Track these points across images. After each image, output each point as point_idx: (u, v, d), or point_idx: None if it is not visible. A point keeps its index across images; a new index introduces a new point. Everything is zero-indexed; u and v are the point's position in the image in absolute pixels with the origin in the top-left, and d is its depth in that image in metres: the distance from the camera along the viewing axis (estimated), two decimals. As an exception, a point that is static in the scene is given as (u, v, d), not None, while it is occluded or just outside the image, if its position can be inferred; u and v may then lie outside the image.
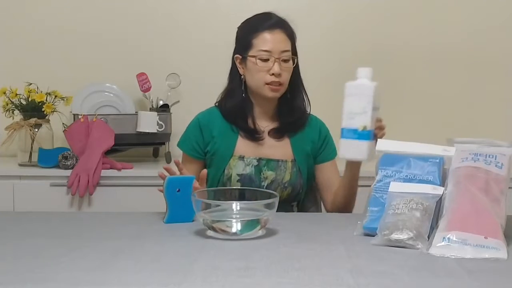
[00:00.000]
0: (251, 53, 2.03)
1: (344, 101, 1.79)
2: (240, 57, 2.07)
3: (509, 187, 1.63)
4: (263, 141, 2.11)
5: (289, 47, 2.04)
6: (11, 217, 1.99)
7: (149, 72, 2.94)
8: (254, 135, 2.10)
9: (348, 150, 1.79)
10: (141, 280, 1.28)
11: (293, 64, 2.05)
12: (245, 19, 2.12)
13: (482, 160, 1.62)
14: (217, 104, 2.17)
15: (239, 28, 2.12)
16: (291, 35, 2.06)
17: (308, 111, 2.16)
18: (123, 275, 1.31)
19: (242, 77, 2.09)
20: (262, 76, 2.02)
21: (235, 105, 2.09)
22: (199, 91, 2.98)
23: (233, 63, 2.12)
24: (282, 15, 2.09)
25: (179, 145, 2.17)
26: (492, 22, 3.12)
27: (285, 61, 2.03)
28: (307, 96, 2.15)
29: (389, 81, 3.15)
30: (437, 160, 1.70)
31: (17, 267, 1.36)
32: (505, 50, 3.14)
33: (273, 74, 2.01)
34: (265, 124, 2.12)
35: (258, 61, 2.01)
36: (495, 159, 1.62)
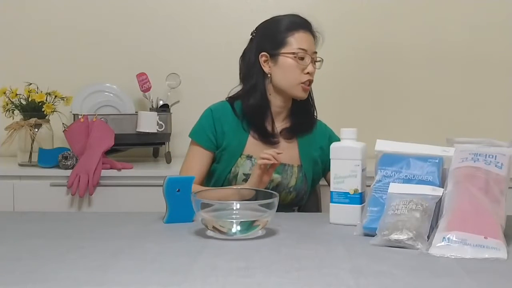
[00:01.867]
0: (286, 50, 2.02)
1: (331, 164, 1.78)
2: (268, 54, 2.05)
3: (509, 187, 1.63)
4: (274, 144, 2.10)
5: (316, 50, 2.07)
6: (11, 217, 1.99)
7: (149, 72, 2.94)
8: (270, 139, 2.08)
9: (340, 215, 1.76)
10: (141, 280, 1.28)
11: (319, 68, 2.07)
12: (266, 19, 2.11)
13: (482, 160, 1.62)
14: (227, 99, 2.14)
15: (265, 26, 2.09)
16: (316, 38, 2.10)
17: (315, 114, 2.16)
18: (123, 275, 1.31)
19: (269, 75, 2.06)
20: (298, 74, 2.02)
21: (256, 104, 2.06)
22: (199, 91, 2.98)
23: (251, 61, 2.08)
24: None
25: (192, 135, 2.11)
26: (492, 21, 3.12)
27: (315, 62, 2.05)
28: (312, 98, 2.16)
29: (388, 81, 3.15)
30: (437, 161, 1.70)
31: (17, 267, 1.36)
32: (505, 49, 3.13)
33: (308, 73, 2.02)
34: (277, 125, 2.11)
35: (296, 59, 2.01)
36: (495, 159, 1.62)
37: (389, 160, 1.74)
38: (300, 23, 2.06)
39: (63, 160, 2.68)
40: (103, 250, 1.49)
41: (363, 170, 1.77)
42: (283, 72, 2.03)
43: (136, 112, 2.92)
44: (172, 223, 1.76)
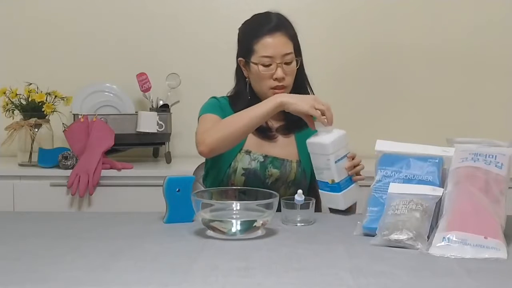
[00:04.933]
0: (253, 59, 2.02)
1: (311, 157, 1.89)
2: (244, 60, 2.06)
3: (509, 187, 1.63)
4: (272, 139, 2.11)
5: (290, 49, 2.02)
6: (11, 217, 1.99)
7: (149, 72, 2.95)
8: (267, 133, 2.09)
9: (326, 200, 1.91)
10: (141, 280, 1.28)
11: (297, 66, 2.04)
12: (244, 20, 2.10)
13: (482, 160, 1.62)
14: (228, 96, 2.14)
15: (240, 30, 2.11)
16: (292, 35, 2.04)
17: None
18: (123, 275, 1.31)
19: (247, 79, 2.08)
20: (266, 81, 2.02)
21: (244, 107, 2.06)
22: (199, 91, 2.97)
23: (238, 65, 2.10)
24: (283, 12, 2.08)
25: (206, 111, 2.05)
26: (492, 21, 3.12)
27: (288, 63, 2.02)
28: (313, 93, 2.14)
29: (389, 81, 3.16)
30: (437, 160, 1.70)
31: (17, 267, 1.36)
32: (505, 49, 3.14)
33: (276, 79, 2.00)
34: (273, 122, 2.12)
35: (260, 67, 2.00)
36: (495, 159, 1.62)
37: (389, 160, 1.75)
38: (265, 28, 2.01)
39: (63, 160, 2.68)
40: (103, 250, 1.49)
41: (338, 160, 1.84)
42: (254, 79, 2.05)
43: (136, 112, 2.93)
44: (172, 223, 1.76)
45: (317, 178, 1.90)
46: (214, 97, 2.14)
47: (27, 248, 1.51)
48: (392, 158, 1.75)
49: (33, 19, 3.11)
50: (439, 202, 1.61)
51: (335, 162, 1.83)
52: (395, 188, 1.66)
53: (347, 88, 3.15)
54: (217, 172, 2.09)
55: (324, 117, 1.84)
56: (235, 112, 2.07)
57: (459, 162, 1.64)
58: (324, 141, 1.83)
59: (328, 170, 1.85)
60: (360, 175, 1.93)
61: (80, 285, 1.25)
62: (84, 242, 1.57)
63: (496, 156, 1.63)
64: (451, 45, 3.13)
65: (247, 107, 2.05)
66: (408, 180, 1.69)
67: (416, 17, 3.14)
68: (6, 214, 2.08)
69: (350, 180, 1.88)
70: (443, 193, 1.61)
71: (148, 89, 2.94)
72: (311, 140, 1.87)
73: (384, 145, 1.79)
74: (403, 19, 3.14)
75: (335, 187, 1.85)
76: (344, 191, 1.86)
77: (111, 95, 2.98)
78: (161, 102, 2.95)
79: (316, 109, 1.84)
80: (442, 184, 1.66)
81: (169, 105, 2.95)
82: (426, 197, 1.60)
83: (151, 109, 2.94)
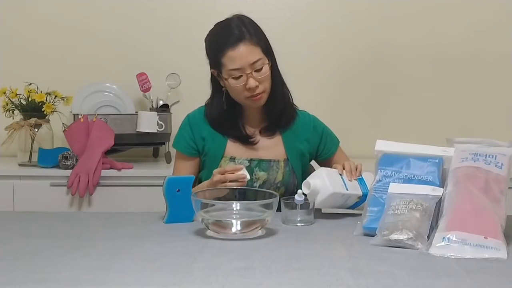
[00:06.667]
0: (223, 73, 1.98)
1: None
2: (217, 72, 2.03)
3: (509, 187, 1.63)
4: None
5: (258, 55, 1.97)
6: (11, 217, 1.99)
7: (149, 72, 2.94)
8: (247, 140, 2.08)
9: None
10: (141, 280, 1.28)
11: (269, 69, 1.99)
12: (209, 30, 2.07)
13: (482, 160, 1.62)
14: (205, 104, 2.14)
15: (206, 42, 2.06)
16: (258, 40, 1.98)
17: (291, 101, 2.13)
18: (123, 275, 1.31)
19: (223, 88, 2.04)
20: (241, 93, 1.98)
21: (221, 116, 2.07)
22: (199, 91, 2.95)
23: (212, 74, 2.07)
24: (241, 12, 2.04)
25: (174, 145, 2.15)
26: (492, 22, 3.12)
27: (259, 70, 1.97)
28: (287, 89, 2.10)
29: (389, 81, 3.15)
30: (437, 160, 1.70)
31: (17, 267, 1.36)
32: (505, 50, 3.13)
33: (249, 88, 1.96)
34: (255, 125, 2.11)
35: (231, 80, 1.97)
36: (495, 159, 1.62)
37: (389, 160, 1.75)
38: (227, 42, 1.97)
39: (63, 160, 2.68)
40: (103, 250, 1.49)
41: (346, 186, 1.86)
42: (229, 90, 2.02)
43: (136, 112, 2.92)
44: (172, 223, 1.76)
45: (345, 208, 1.92)
46: (188, 117, 2.14)
47: (27, 248, 1.51)
48: (392, 158, 1.75)
49: (33, 19, 3.11)
50: (439, 202, 1.61)
51: (347, 190, 1.85)
52: (395, 188, 1.66)
53: (347, 88, 3.15)
54: (205, 180, 2.06)
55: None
56: (209, 121, 2.08)
57: (459, 162, 1.64)
58: (326, 193, 1.81)
59: (349, 198, 1.86)
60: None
61: (80, 285, 1.26)
62: (84, 242, 1.57)
63: (496, 156, 1.63)
64: (451, 46, 3.13)
65: (226, 115, 2.06)
66: (408, 180, 1.69)
67: (417, 18, 3.13)
68: (6, 214, 2.08)
69: (362, 179, 1.91)
70: (443, 193, 1.61)
71: (148, 89, 2.93)
72: (318, 203, 1.84)
73: (384, 145, 1.79)
74: (404, 19, 3.13)
75: (363, 199, 1.85)
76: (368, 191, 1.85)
77: (111, 95, 2.98)
78: (161, 102, 2.95)
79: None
80: (442, 184, 1.66)
81: (169, 105, 2.95)
82: (426, 197, 1.61)
83: (151, 109, 2.94)
